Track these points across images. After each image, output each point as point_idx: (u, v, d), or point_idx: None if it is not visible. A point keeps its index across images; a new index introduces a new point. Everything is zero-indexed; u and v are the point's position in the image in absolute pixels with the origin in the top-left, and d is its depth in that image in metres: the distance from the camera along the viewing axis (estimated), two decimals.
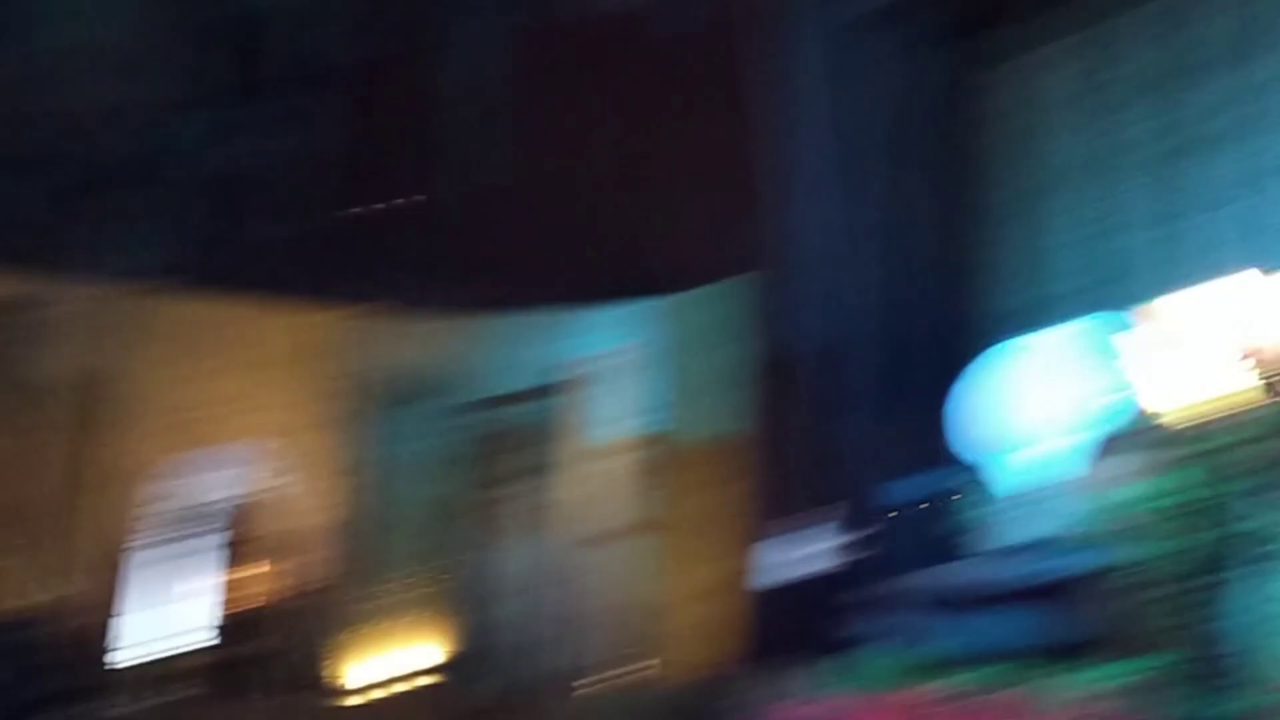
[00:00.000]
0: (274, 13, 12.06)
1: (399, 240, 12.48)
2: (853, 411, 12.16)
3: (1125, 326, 11.19)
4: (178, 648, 11.28)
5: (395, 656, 11.63)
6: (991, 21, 13.02)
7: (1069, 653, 7.65)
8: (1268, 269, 7.58)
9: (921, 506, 10.96)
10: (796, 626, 10.92)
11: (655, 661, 11.52)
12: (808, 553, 11.51)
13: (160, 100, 11.70)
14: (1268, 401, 7.15)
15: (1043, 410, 9.36)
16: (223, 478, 12.18)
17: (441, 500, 12.10)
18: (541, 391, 12.27)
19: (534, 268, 13.23)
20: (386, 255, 12.33)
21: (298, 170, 12.07)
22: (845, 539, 11.01)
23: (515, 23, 12.03)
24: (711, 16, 12.24)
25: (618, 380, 11.48)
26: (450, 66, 12.10)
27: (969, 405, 9.56)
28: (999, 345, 10.32)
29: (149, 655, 11.27)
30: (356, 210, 12.62)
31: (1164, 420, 7.81)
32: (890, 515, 11.05)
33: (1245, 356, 7.30)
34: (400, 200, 12.76)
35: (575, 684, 9.89)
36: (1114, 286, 11.48)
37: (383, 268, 12.46)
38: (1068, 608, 8.05)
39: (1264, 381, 7.23)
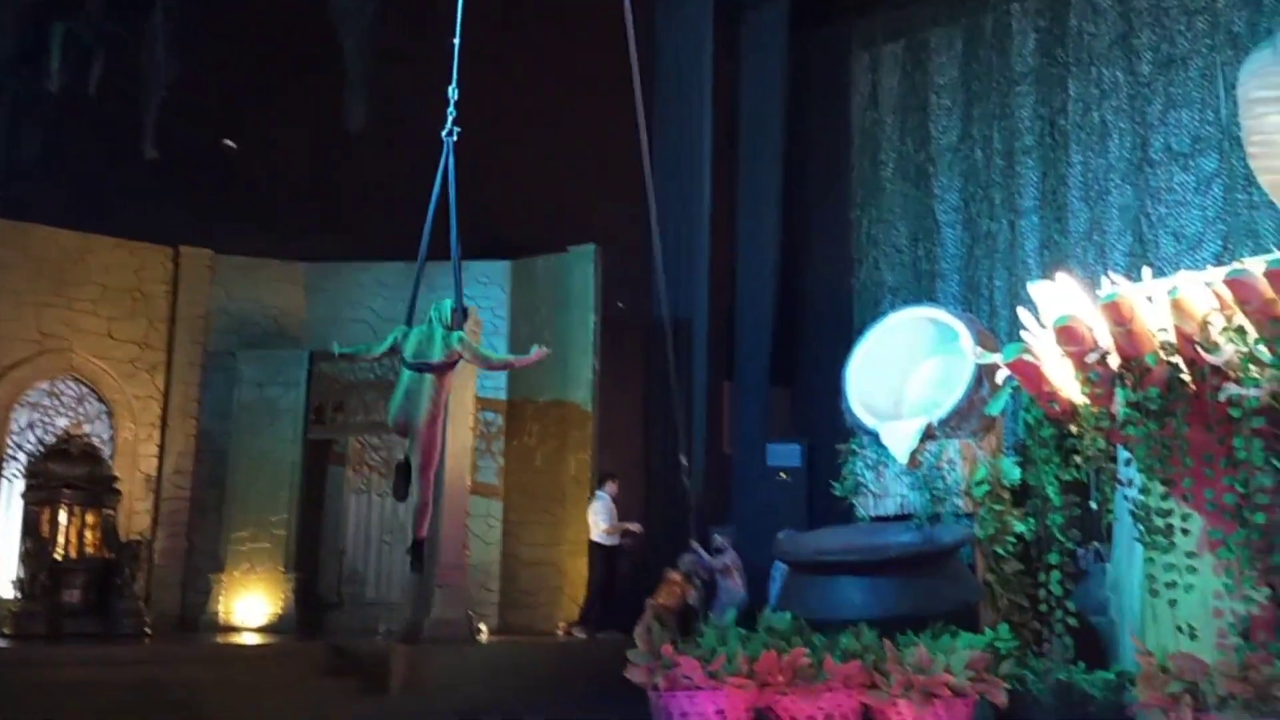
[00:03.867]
0: None
1: (254, 181, 11.91)
2: (719, 377, 12.46)
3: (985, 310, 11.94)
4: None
5: (238, 604, 11.21)
6: (871, 6, 13.44)
7: (935, 621, 8.08)
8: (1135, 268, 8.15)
9: (790, 472, 11.37)
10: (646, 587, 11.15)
11: (497, 619, 11.56)
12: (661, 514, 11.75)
13: None
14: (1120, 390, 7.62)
15: (916, 386, 9.79)
16: (51, 413, 11.42)
17: (291, 448, 11.67)
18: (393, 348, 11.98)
19: (390, 221, 12.91)
20: (239, 196, 11.76)
21: (145, 99, 11.40)
22: (699, 500, 11.28)
23: None
24: None
25: (468, 339, 11.31)
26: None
27: (848, 376, 9.87)
28: (879, 319, 10.69)
29: None
30: (207, 146, 11.95)
31: (1027, 404, 8.26)
32: (757, 478, 11.40)
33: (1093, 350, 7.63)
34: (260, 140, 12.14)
35: (425, 637, 9.78)
36: (983, 272, 12.14)
37: (234, 209, 11.89)
38: (935, 578, 8.46)
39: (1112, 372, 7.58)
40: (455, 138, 6.94)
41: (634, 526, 11.11)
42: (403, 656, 9.50)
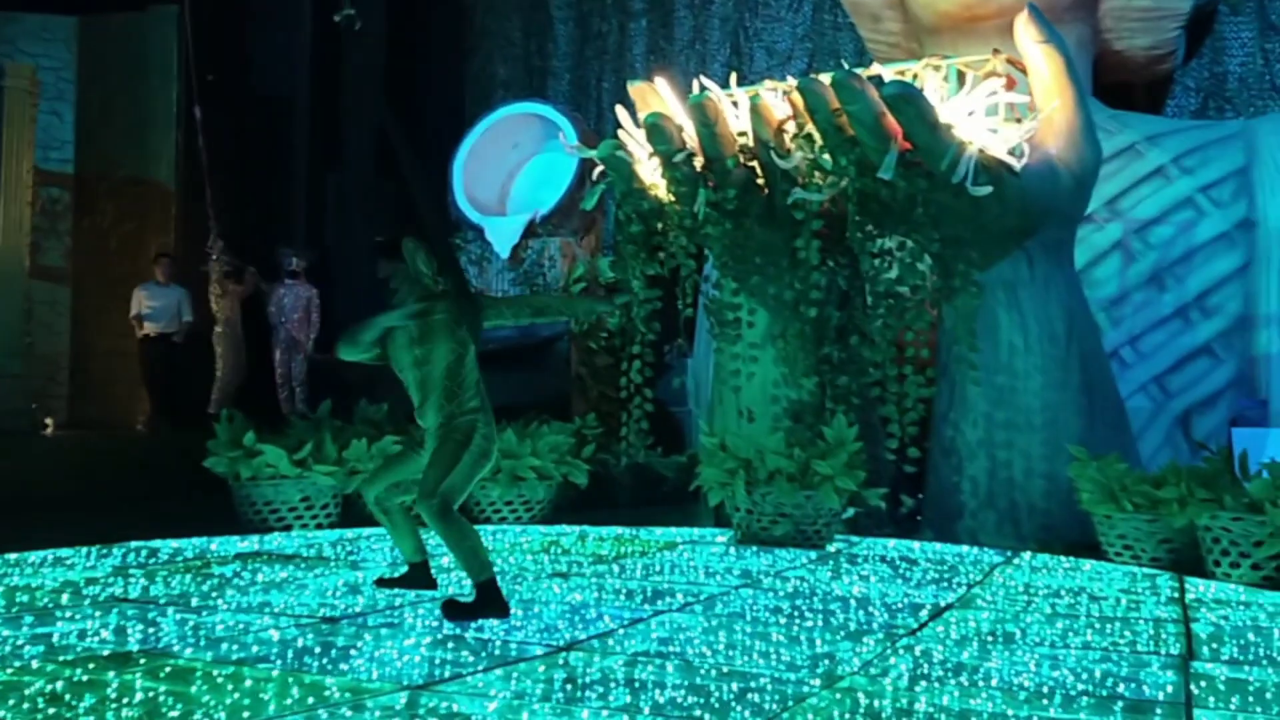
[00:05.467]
0: None
1: None
2: (322, 166, 11.81)
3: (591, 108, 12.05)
4: None
5: None
6: None
7: (530, 410, 8.37)
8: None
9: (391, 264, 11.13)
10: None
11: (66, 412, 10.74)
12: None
13: None
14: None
15: (521, 182, 9.81)
16: None
17: None
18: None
19: None
20: None
21: None
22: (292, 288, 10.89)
23: None
24: None
25: (24, 103, 10.00)
26: None
27: (456, 170, 9.70)
28: (490, 113, 10.50)
29: None
30: None
31: (619, 201, 8.48)
32: (362, 272, 11.06)
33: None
34: None
35: None
36: (592, 72, 12.16)
37: None
38: (532, 370, 8.70)
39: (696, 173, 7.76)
40: (358, 26, 4.60)
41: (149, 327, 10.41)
42: None
